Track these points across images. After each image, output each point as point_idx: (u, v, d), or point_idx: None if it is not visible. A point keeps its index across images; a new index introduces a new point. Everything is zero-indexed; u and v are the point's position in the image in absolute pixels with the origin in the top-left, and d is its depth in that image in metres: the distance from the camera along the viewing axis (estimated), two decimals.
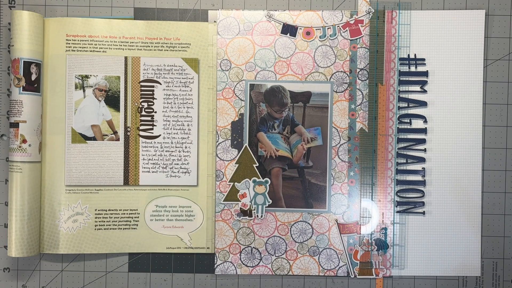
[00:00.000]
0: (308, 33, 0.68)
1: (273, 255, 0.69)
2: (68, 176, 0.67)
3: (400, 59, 0.68)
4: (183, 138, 0.68)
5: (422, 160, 0.68)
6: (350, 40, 0.68)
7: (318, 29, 0.68)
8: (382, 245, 0.68)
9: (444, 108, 0.69)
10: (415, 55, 0.68)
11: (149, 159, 0.68)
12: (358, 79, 0.68)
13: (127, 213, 0.68)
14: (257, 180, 0.69)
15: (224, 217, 0.69)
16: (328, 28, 0.68)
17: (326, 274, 0.69)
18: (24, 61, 0.64)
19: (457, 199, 0.69)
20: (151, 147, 0.68)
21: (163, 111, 0.68)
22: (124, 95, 0.68)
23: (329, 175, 0.68)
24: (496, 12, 0.69)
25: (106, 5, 0.69)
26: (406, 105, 0.69)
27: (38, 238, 0.67)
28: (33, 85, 0.65)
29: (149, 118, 0.68)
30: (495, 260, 0.69)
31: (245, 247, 0.69)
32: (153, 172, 0.68)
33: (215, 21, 0.68)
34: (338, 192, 0.68)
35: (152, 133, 0.68)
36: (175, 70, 0.68)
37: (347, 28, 0.68)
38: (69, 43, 0.67)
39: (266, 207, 0.69)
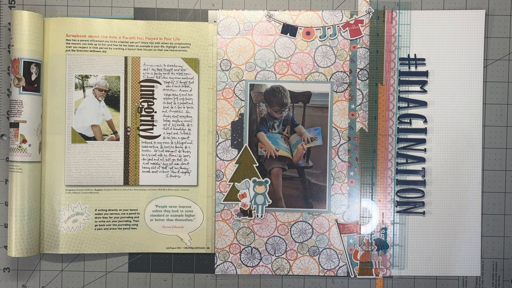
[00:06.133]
0: (308, 33, 0.68)
1: (273, 255, 0.69)
2: (68, 176, 0.67)
3: (400, 59, 0.68)
4: (183, 138, 0.68)
5: (422, 160, 0.68)
6: (350, 40, 0.68)
7: (318, 29, 0.68)
8: (382, 245, 0.68)
9: (444, 108, 0.69)
10: (415, 55, 0.68)
11: (149, 159, 0.68)
12: (358, 79, 0.68)
13: (127, 213, 0.69)
14: (257, 180, 0.69)
15: (224, 217, 0.69)
16: (328, 28, 0.68)
17: (326, 274, 0.69)
18: (24, 61, 0.64)
19: (457, 199, 0.69)
20: (151, 147, 0.68)
21: (163, 111, 0.68)
22: (124, 95, 0.68)
23: (329, 175, 0.68)
24: (496, 12, 0.69)
25: (106, 5, 0.69)
26: (406, 105, 0.69)
27: (38, 238, 0.67)
28: (33, 85, 0.65)
29: (149, 118, 0.68)
30: (495, 260, 0.69)
31: (245, 247, 0.69)
32: (153, 172, 0.68)
33: (215, 21, 0.68)
34: (338, 192, 0.68)
35: (152, 133, 0.68)
36: (175, 70, 0.68)
37: (347, 28, 0.68)
38: (69, 43, 0.67)
39: (266, 207, 0.69)
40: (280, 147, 0.69)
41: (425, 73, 0.68)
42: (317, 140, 0.69)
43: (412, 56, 0.68)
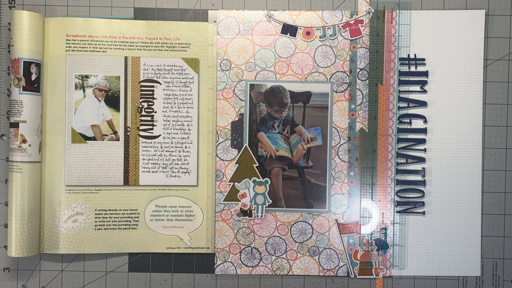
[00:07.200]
0: (308, 33, 0.68)
1: (273, 255, 0.69)
2: (68, 176, 0.67)
3: (400, 59, 0.68)
4: (183, 138, 0.68)
5: (422, 160, 0.68)
6: (350, 40, 0.68)
7: (318, 29, 0.68)
8: (382, 245, 0.68)
9: (444, 108, 0.69)
10: (415, 55, 0.68)
11: (149, 159, 0.68)
12: (358, 79, 0.68)
13: (127, 213, 0.69)
14: (257, 180, 0.69)
15: (224, 217, 0.69)
16: (328, 28, 0.68)
17: (326, 274, 0.69)
18: (24, 61, 0.64)
19: (457, 199, 0.69)
20: (151, 147, 0.68)
21: (163, 111, 0.68)
22: (124, 95, 0.68)
23: (329, 175, 0.68)
24: (496, 12, 0.69)
25: (106, 5, 0.69)
26: (406, 105, 0.69)
27: (38, 238, 0.67)
28: (33, 85, 0.65)
29: (149, 118, 0.68)
30: (495, 260, 0.69)
31: (245, 247, 0.69)
32: (153, 172, 0.68)
33: (215, 21, 0.68)
34: (338, 192, 0.68)
35: (152, 133, 0.68)
36: (175, 70, 0.68)
37: (347, 28, 0.68)
38: (69, 43, 0.67)
39: (266, 207, 0.69)
40: (280, 147, 0.69)
41: (425, 73, 0.68)
42: (317, 140, 0.69)
43: (412, 56, 0.68)
